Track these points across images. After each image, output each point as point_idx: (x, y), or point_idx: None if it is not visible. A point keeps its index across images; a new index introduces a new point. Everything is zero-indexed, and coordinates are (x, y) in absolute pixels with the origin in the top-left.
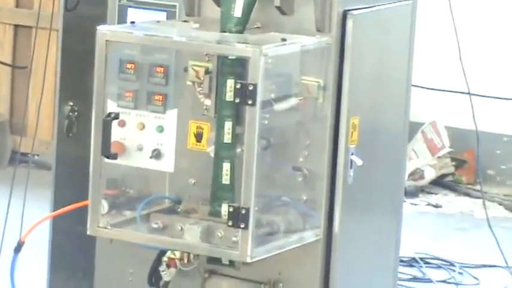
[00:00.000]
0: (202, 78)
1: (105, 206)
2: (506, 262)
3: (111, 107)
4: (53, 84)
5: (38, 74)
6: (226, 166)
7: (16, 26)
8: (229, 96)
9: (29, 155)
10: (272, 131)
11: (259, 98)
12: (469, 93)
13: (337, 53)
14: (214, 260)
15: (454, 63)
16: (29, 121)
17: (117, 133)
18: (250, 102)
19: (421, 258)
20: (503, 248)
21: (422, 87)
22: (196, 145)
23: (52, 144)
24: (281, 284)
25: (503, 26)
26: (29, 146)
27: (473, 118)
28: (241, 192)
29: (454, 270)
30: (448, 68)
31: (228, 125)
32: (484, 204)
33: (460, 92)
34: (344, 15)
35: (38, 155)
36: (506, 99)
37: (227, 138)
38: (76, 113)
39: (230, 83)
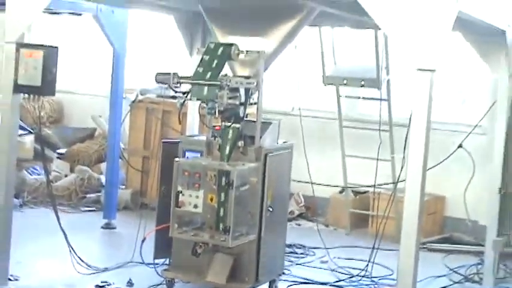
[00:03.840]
0: (212, 177)
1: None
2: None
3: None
4: None
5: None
6: (221, 211)
7: (144, 157)
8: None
9: None
10: (240, 201)
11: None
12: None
13: (262, 169)
14: (217, 246)
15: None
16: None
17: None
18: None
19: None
20: None
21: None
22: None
23: None
24: (244, 254)
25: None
26: None
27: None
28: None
29: None
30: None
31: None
32: None
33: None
34: (266, 155)
35: None
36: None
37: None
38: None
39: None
